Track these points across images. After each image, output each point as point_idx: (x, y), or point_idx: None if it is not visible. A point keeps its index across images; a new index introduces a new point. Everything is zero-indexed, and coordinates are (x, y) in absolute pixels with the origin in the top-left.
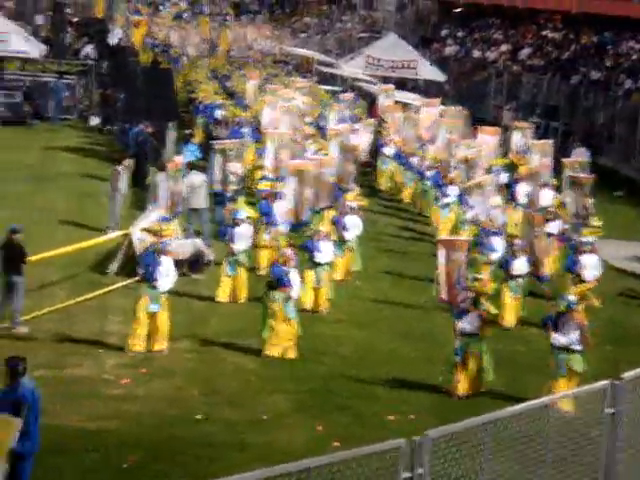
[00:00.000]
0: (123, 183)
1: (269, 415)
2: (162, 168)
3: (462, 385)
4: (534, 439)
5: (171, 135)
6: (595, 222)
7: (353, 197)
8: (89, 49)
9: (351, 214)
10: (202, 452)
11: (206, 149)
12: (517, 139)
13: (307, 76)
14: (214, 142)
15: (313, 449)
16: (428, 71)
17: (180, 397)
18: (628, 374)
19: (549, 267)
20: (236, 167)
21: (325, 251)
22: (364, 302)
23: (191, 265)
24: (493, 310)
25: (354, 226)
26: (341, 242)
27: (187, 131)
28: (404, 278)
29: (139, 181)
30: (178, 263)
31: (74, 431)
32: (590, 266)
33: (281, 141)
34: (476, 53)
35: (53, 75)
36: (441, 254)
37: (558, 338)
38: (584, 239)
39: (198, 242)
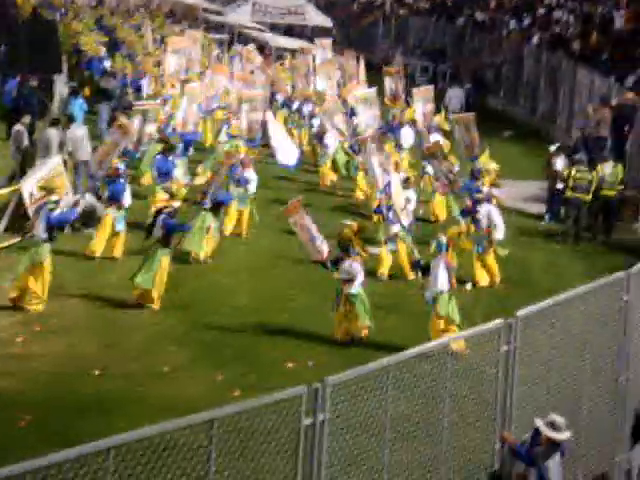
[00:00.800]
0: (25, 140)
1: (168, 367)
2: (53, 122)
3: (338, 330)
4: (434, 380)
5: (61, 87)
6: (491, 165)
7: (248, 150)
8: None
9: (248, 168)
10: (102, 407)
11: (93, 101)
12: (388, 84)
13: (192, 25)
14: (137, 104)
15: (214, 400)
16: (316, 17)
17: (77, 353)
18: (521, 312)
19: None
20: (151, 129)
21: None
22: (259, 253)
23: (83, 221)
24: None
25: (253, 179)
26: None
27: (72, 84)
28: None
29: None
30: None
31: None
32: (484, 215)
33: (192, 95)
34: None
35: None
36: (292, 222)
37: (427, 295)
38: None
39: (88, 197)
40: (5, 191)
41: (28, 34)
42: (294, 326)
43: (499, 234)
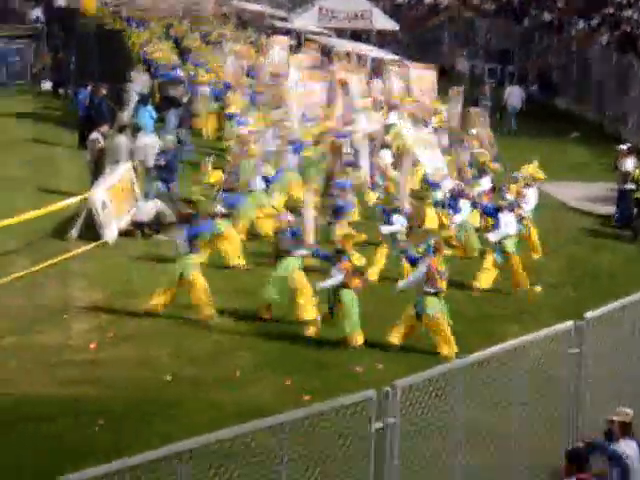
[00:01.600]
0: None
1: (238, 372)
2: (120, 129)
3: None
4: (503, 382)
5: (132, 95)
6: (538, 174)
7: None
8: (38, 12)
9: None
10: (173, 413)
11: (162, 109)
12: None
13: (259, 30)
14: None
15: (284, 404)
16: (382, 20)
17: (148, 359)
18: (590, 314)
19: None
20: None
21: None
22: None
23: (154, 226)
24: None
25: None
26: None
27: (143, 92)
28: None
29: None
30: (142, 225)
31: (44, 398)
32: (505, 223)
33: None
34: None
35: (2, 40)
36: None
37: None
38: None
39: (159, 202)
40: (76, 199)
41: (96, 44)
42: (363, 330)
43: (493, 236)
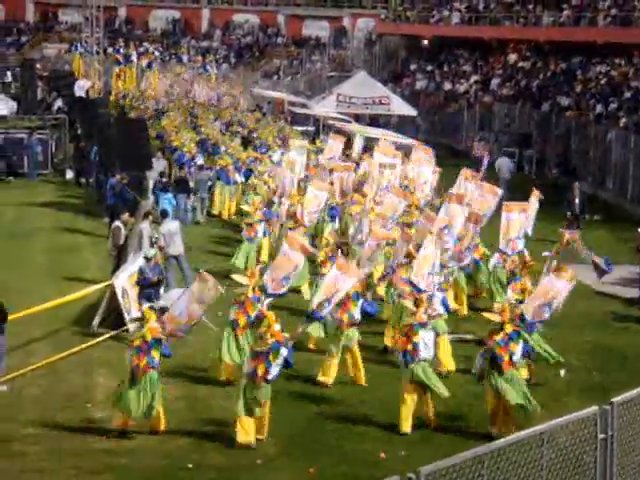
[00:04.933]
0: (122, 237)
1: (260, 460)
2: (144, 217)
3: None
4: (530, 469)
5: (153, 183)
6: None
7: None
8: (60, 103)
9: None
10: None
11: (175, 193)
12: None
13: (279, 118)
14: None
15: None
16: (400, 106)
17: (170, 447)
18: (617, 399)
19: None
20: None
21: None
22: None
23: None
24: None
25: None
26: None
27: (163, 179)
28: None
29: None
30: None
31: None
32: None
33: None
34: (447, 86)
35: (25, 131)
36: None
37: None
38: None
39: (181, 291)
40: (98, 287)
41: (117, 133)
42: (384, 414)
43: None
